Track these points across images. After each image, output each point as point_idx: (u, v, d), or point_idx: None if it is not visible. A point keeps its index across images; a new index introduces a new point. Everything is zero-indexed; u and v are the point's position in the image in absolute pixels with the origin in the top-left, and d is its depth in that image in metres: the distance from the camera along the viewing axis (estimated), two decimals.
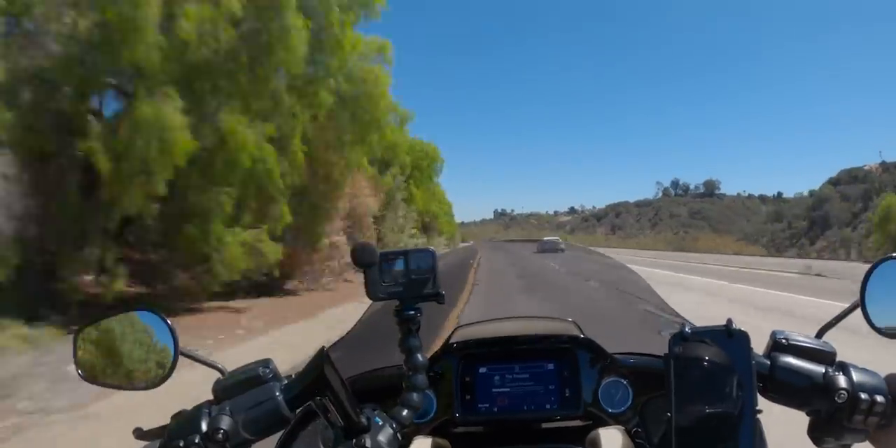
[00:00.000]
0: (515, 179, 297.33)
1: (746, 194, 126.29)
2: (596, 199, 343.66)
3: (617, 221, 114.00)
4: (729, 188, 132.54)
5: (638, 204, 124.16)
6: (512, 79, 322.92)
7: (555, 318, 1.32)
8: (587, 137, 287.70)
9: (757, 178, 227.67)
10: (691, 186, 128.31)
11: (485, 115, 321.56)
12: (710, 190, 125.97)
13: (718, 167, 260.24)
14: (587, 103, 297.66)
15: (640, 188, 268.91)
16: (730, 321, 0.64)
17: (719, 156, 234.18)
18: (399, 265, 0.73)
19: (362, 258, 0.71)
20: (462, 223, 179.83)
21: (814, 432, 0.68)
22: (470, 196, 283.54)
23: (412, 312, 0.73)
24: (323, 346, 0.66)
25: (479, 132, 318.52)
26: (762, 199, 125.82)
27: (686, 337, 0.63)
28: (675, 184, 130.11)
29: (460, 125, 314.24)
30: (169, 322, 0.77)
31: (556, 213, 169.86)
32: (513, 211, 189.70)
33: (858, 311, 0.72)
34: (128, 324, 0.79)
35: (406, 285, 0.72)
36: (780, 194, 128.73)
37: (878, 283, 0.72)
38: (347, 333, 1.21)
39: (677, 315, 1.26)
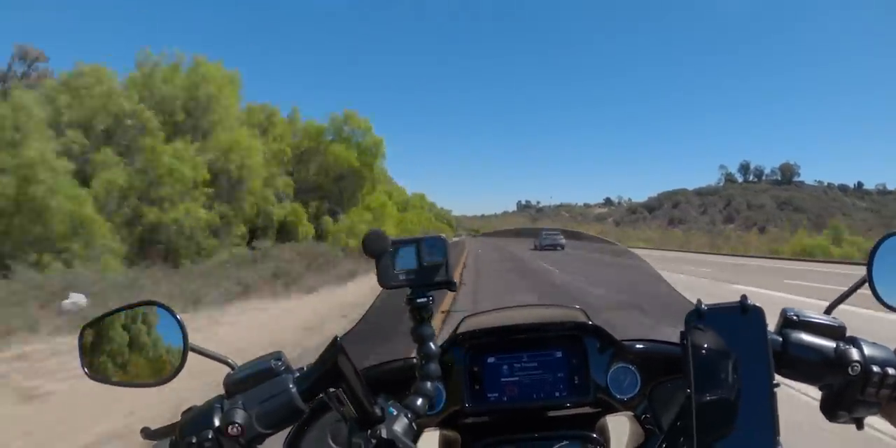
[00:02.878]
0: (539, 169, 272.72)
1: (825, 183, 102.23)
2: (634, 189, 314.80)
3: (675, 213, 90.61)
4: (803, 176, 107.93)
5: (699, 192, 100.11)
6: (527, 58, 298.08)
7: (562, 305, 1.32)
8: (619, 121, 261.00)
9: (831, 165, 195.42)
10: (766, 171, 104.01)
11: (502, 100, 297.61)
12: (787, 176, 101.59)
13: (788, 151, 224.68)
14: (616, 82, 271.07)
15: (694, 174, 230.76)
16: (744, 297, 0.64)
17: (790, 138, 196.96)
18: (410, 253, 0.72)
19: (374, 246, 0.70)
20: (483, 216, 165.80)
21: (827, 406, 0.69)
22: (490, 187, 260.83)
23: (424, 300, 0.72)
24: (336, 337, 0.65)
25: (496, 119, 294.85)
26: (842, 189, 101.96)
27: (702, 314, 0.64)
28: (744, 168, 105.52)
29: (475, 112, 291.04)
30: (177, 316, 0.74)
31: (585, 204, 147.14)
32: (538, 202, 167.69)
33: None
34: (133, 319, 0.77)
35: (418, 273, 0.72)
36: (860, 185, 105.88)
37: (885, 258, 0.73)
38: (358, 323, 1.18)
39: (686, 299, 1.18)
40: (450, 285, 0.72)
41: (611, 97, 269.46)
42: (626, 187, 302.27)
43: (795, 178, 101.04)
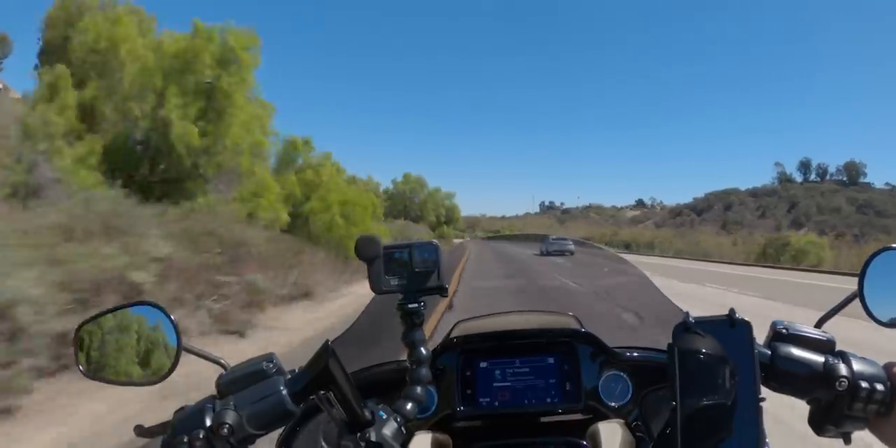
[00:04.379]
0: (561, 170, 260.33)
1: (892, 185, 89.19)
2: (667, 191, 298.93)
3: (730, 216, 78.68)
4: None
5: (754, 192, 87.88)
6: (549, 54, 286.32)
7: (555, 312, 1.33)
8: (649, 119, 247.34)
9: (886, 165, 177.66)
10: (831, 169, 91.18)
11: (522, 99, 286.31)
12: (853, 176, 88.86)
13: (840, 148, 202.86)
14: (643, 78, 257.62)
15: (737, 174, 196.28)
16: (732, 311, 0.65)
17: (846, 134, 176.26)
18: (402, 258, 0.73)
19: (366, 251, 0.71)
20: (503, 217, 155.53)
21: (814, 420, 0.69)
22: (510, 187, 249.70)
23: (415, 305, 0.73)
24: (327, 340, 0.67)
25: (516, 118, 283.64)
26: None
27: (689, 327, 0.64)
28: (804, 166, 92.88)
29: (493, 111, 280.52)
30: (171, 316, 0.76)
31: (613, 207, 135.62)
32: (562, 204, 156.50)
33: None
34: (128, 318, 0.79)
35: (409, 278, 0.73)
36: None
37: (877, 273, 0.73)
38: (351, 327, 1.19)
39: (677, 308, 1.20)
40: (441, 291, 0.73)
41: (638, 94, 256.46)
42: (659, 189, 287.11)
43: (863, 179, 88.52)
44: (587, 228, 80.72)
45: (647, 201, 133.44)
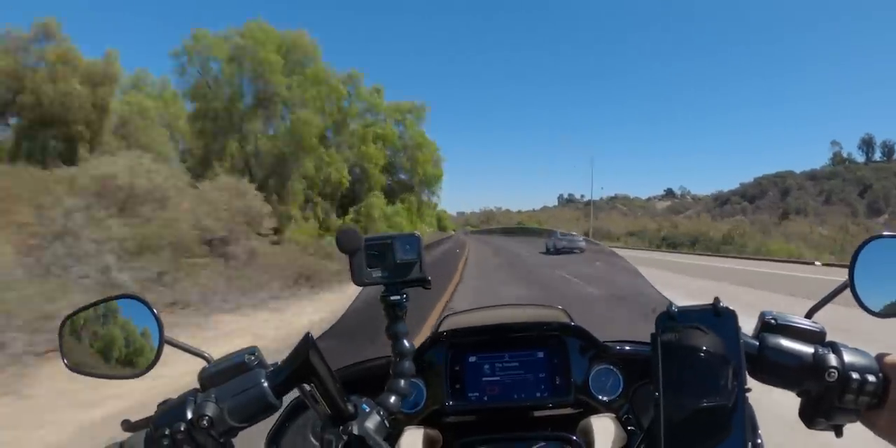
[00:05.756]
0: (579, 162, 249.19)
1: None
2: (695, 180, 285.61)
3: (791, 202, 68.60)
4: None
5: (812, 175, 77.33)
6: (564, 44, 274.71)
7: (544, 305, 1.32)
8: (670, 102, 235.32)
9: None
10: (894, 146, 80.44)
11: (534, 89, 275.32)
12: None
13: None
14: (661, 62, 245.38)
15: (778, 156, 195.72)
16: (717, 300, 0.63)
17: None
18: (384, 250, 0.73)
19: (346, 244, 0.70)
20: (519, 211, 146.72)
21: (805, 413, 0.67)
22: (526, 181, 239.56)
23: (398, 298, 0.73)
24: (308, 332, 0.65)
25: (529, 110, 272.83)
26: None
27: (673, 316, 0.63)
28: (866, 143, 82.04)
29: (506, 102, 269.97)
30: (154, 309, 0.77)
31: (637, 197, 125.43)
32: (583, 196, 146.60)
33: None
34: (111, 312, 0.80)
35: (392, 270, 0.73)
36: None
37: (867, 262, 0.72)
38: (337, 323, 1.19)
39: (664, 298, 1.18)
40: (423, 283, 0.73)
41: (660, 82, 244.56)
42: (686, 178, 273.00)
43: None
44: (624, 221, 71.17)
45: (677, 190, 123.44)
